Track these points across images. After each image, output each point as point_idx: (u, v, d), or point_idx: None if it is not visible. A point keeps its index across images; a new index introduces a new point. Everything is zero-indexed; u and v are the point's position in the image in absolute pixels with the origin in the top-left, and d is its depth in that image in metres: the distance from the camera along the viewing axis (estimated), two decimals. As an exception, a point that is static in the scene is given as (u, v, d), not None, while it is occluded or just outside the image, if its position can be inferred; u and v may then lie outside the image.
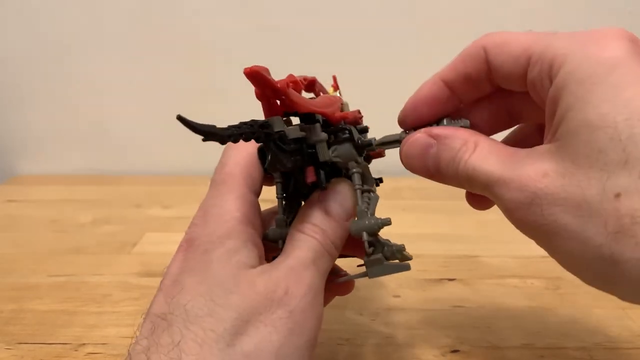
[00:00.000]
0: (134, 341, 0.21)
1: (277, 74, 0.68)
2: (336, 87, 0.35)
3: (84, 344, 0.34)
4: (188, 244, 0.25)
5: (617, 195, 0.17)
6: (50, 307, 0.38)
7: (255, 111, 0.77)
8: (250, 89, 0.72)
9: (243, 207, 0.25)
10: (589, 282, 0.20)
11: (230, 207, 0.25)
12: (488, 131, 0.26)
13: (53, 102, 0.69)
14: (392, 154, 0.65)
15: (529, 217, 0.21)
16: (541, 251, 0.50)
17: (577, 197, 0.18)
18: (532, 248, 0.49)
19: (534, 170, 0.20)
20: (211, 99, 0.69)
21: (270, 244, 0.27)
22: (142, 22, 0.65)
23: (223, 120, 0.80)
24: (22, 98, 0.69)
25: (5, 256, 0.47)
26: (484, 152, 0.23)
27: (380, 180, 0.32)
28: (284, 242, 0.26)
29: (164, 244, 0.49)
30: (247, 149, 0.27)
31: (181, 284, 0.23)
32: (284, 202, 0.28)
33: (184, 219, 0.58)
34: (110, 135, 0.71)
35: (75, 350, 0.34)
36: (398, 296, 0.40)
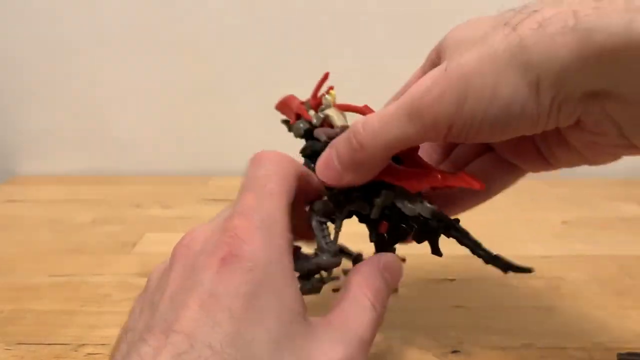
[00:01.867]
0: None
1: (278, 75, 0.69)
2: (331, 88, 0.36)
3: (83, 344, 0.34)
4: (232, 260, 0.21)
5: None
6: (50, 307, 0.38)
7: (255, 111, 0.77)
8: (251, 89, 0.72)
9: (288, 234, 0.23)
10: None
11: (283, 229, 0.23)
12: None
13: (53, 102, 0.69)
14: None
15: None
16: (541, 251, 0.50)
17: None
18: (532, 248, 0.49)
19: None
20: (211, 99, 0.69)
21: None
22: (142, 22, 0.65)
23: (223, 120, 0.80)
24: (22, 98, 0.69)
25: (4, 256, 0.47)
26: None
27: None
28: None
29: (164, 244, 0.49)
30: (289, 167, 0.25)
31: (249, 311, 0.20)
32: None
33: (184, 219, 0.58)
34: (110, 135, 0.71)
35: (75, 351, 0.34)
36: (398, 296, 0.40)
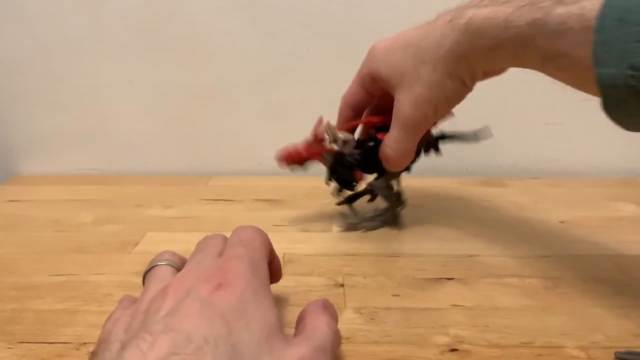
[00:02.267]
0: None
1: (278, 75, 0.69)
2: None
3: (85, 343, 0.34)
4: (226, 286, 0.27)
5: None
6: (52, 307, 0.39)
7: (255, 111, 0.77)
8: (250, 89, 0.72)
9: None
10: None
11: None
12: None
13: (54, 102, 0.70)
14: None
15: None
16: (540, 251, 0.50)
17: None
18: (531, 247, 0.50)
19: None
20: (212, 99, 0.70)
21: None
22: (142, 23, 0.66)
23: (223, 120, 0.80)
24: (24, 98, 0.69)
25: (6, 256, 0.47)
26: None
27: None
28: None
29: (165, 244, 0.50)
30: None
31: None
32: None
33: (185, 218, 0.59)
34: (111, 135, 0.72)
35: (77, 350, 0.34)
36: (397, 295, 0.40)
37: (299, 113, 0.70)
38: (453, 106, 0.43)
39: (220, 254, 0.31)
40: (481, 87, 0.69)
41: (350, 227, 0.52)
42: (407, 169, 0.49)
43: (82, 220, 0.55)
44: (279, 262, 0.36)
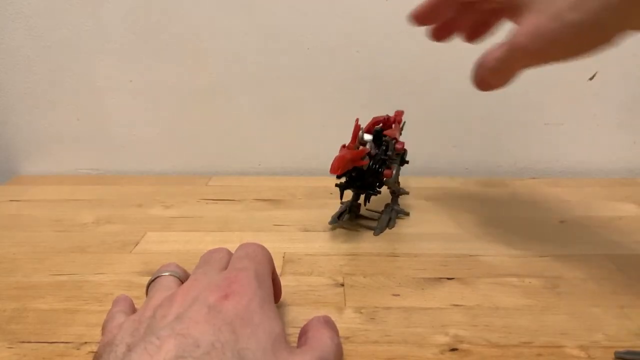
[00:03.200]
0: None
1: (278, 76, 0.69)
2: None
3: (85, 342, 0.35)
4: (233, 295, 0.27)
5: None
6: (52, 306, 0.39)
7: (255, 111, 0.78)
8: (250, 89, 0.73)
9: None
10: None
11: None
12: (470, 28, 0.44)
13: (54, 102, 0.70)
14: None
15: None
16: (539, 250, 0.50)
17: None
18: (531, 247, 0.50)
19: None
20: (211, 99, 0.70)
21: None
22: (142, 23, 0.66)
23: (223, 120, 0.81)
24: (25, 99, 0.69)
25: (7, 255, 0.47)
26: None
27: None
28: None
29: (166, 244, 0.50)
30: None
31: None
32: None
33: (185, 218, 0.59)
34: (111, 135, 0.72)
35: (77, 349, 0.34)
36: (397, 295, 0.40)
37: (299, 113, 0.70)
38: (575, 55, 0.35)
39: (226, 266, 0.31)
40: (481, 87, 0.69)
41: (382, 229, 0.52)
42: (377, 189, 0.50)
43: (83, 220, 0.55)
44: (280, 283, 0.37)
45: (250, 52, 0.67)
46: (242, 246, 0.33)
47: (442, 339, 0.35)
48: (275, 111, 0.71)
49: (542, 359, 0.33)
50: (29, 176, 0.72)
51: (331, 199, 0.61)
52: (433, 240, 0.50)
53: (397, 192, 0.56)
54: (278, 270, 0.44)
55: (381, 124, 0.52)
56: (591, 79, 0.68)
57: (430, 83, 0.69)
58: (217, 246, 0.49)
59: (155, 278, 0.32)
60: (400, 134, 0.56)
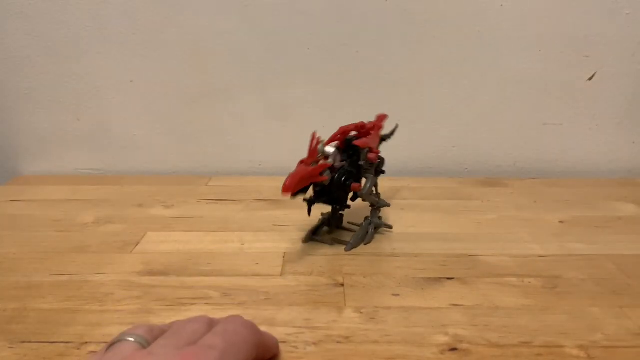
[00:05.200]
0: None
1: (278, 76, 0.69)
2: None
3: (86, 342, 0.35)
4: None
5: None
6: (53, 306, 0.39)
7: (255, 112, 0.78)
8: (250, 89, 0.73)
9: None
10: None
11: None
12: None
13: (55, 102, 0.70)
14: (393, 155, 0.65)
15: None
16: (539, 250, 0.50)
17: None
18: (529, 247, 0.50)
19: None
20: (212, 99, 0.70)
21: None
22: (142, 23, 0.66)
23: (223, 120, 0.80)
24: (25, 99, 0.70)
25: (8, 255, 0.47)
26: None
27: None
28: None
29: (166, 244, 0.50)
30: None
31: None
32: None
33: (185, 218, 0.59)
34: (111, 135, 0.72)
35: (78, 349, 0.34)
36: (397, 295, 0.40)
37: (299, 113, 0.70)
38: None
39: (197, 340, 0.28)
40: (480, 88, 0.69)
41: (356, 245, 0.49)
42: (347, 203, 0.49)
43: (83, 220, 0.55)
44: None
45: (250, 52, 0.67)
46: (227, 320, 0.30)
47: (442, 339, 0.35)
48: (275, 111, 0.71)
49: (541, 359, 0.33)
50: (29, 176, 0.72)
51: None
52: (433, 240, 0.50)
53: (375, 205, 0.52)
54: (278, 270, 0.44)
55: (356, 133, 0.48)
56: (590, 79, 0.68)
57: (430, 83, 0.69)
58: (217, 246, 0.50)
59: (116, 342, 0.28)
60: (389, 138, 0.54)
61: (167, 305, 0.39)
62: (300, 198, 0.43)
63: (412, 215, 0.57)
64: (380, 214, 0.52)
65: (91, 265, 0.45)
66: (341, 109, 0.70)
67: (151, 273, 0.44)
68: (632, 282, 0.42)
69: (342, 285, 0.42)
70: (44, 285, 0.42)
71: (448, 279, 0.43)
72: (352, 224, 0.53)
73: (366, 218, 0.51)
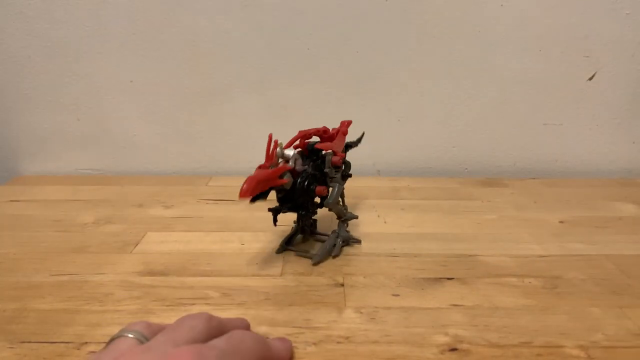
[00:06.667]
0: None
1: (278, 74, 0.69)
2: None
3: (86, 342, 0.35)
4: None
5: None
6: (53, 306, 0.39)
7: (255, 112, 0.78)
8: (250, 89, 0.73)
9: None
10: None
11: None
12: None
13: (55, 102, 0.70)
14: (393, 155, 0.65)
15: None
16: (539, 250, 0.50)
17: None
18: (530, 247, 0.50)
19: None
20: (211, 99, 0.70)
21: None
22: (142, 23, 0.66)
23: (222, 120, 0.81)
24: (25, 99, 0.70)
25: (8, 255, 0.47)
26: None
27: None
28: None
29: (166, 244, 0.50)
30: None
31: None
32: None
33: (185, 218, 0.59)
34: (111, 135, 0.72)
35: (78, 349, 0.34)
36: (397, 295, 0.40)
37: (299, 113, 0.70)
38: None
39: (196, 337, 0.28)
40: (480, 88, 0.69)
41: (323, 258, 0.46)
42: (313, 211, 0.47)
43: (83, 220, 0.55)
44: None
45: (250, 52, 0.67)
46: (233, 333, 0.29)
47: (442, 339, 0.35)
48: (275, 111, 0.71)
49: (541, 359, 0.33)
50: (29, 176, 0.72)
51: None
52: (433, 240, 0.50)
53: (342, 217, 0.49)
54: (278, 270, 0.44)
55: (319, 137, 0.46)
56: (590, 79, 0.68)
57: (430, 83, 0.69)
58: (217, 246, 0.50)
59: (114, 338, 0.29)
60: (355, 145, 0.53)
61: (167, 306, 0.39)
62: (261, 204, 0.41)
63: (412, 215, 0.57)
64: (348, 227, 0.50)
65: (91, 265, 0.45)
66: (341, 109, 0.70)
67: (151, 273, 0.44)
68: (632, 282, 0.42)
69: (342, 285, 0.42)
70: (44, 285, 0.42)
71: (448, 279, 0.43)
72: (322, 234, 0.50)
73: (333, 231, 0.49)
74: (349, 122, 0.52)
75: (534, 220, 0.55)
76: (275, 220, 0.45)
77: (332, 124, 0.54)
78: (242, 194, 0.37)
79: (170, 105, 0.70)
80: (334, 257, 0.47)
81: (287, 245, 0.49)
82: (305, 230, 0.50)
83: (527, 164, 0.74)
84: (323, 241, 0.49)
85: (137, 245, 0.49)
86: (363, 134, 0.54)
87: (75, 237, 0.51)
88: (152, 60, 0.68)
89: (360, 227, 0.54)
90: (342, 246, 0.48)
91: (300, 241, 0.50)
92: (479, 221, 0.55)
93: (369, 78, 0.69)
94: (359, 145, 0.53)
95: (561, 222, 0.55)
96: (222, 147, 0.73)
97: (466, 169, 0.74)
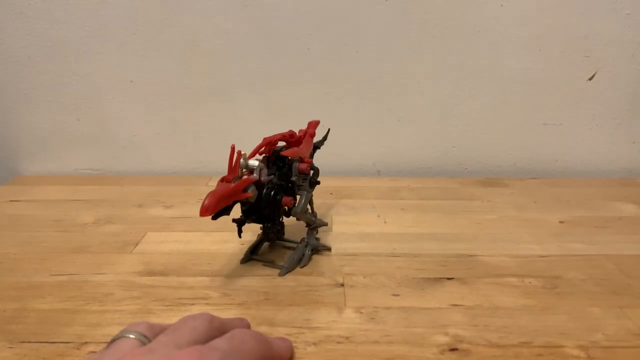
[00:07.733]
0: None
1: (278, 74, 0.69)
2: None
3: (86, 342, 0.35)
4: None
5: None
6: (53, 306, 0.39)
7: (255, 111, 0.78)
8: (250, 89, 0.73)
9: None
10: None
11: None
12: None
13: (55, 102, 0.70)
14: (393, 155, 0.65)
15: None
16: (539, 250, 0.50)
17: None
18: (529, 247, 0.50)
19: None
20: (211, 99, 0.70)
21: None
22: (142, 23, 0.66)
23: (222, 120, 0.81)
24: (25, 99, 0.70)
25: (8, 255, 0.47)
26: None
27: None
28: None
29: (166, 244, 0.50)
30: None
31: None
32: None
33: (185, 218, 0.59)
34: (111, 135, 0.72)
35: (78, 349, 0.34)
36: (397, 295, 0.40)
37: (299, 113, 0.70)
38: None
39: (198, 338, 0.28)
40: (480, 88, 0.69)
41: (290, 270, 0.45)
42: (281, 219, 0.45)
43: (83, 220, 0.55)
44: None
45: (250, 52, 0.67)
46: (235, 332, 0.29)
47: (442, 339, 0.35)
48: (275, 111, 0.71)
49: (541, 359, 0.33)
50: (29, 176, 0.72)
51: (331, 199, 0.61)
52: (433, 240, 0.50)
53: (311, 225, 0.47)
54: (277, 270, 0.44)
55: (285, 142, 0.44)
56: (590, 79, 0.68)
57: (430, 83, 0.69)
58: (217, 246, 0.49)
59: (118, 338, 0.28)
60: (321, 145, 0.51)
61: (167, 306, 0.39)
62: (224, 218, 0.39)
63: (412, 215, 0.57)
64: (318, 235, 0.48)
65: (91, 265, 0.45)
66: (341, 109, 0.70)
67: (151, 273, 0.44)
68: (632, 282, 0.42)
69: (342, 285, 0.42)
70: (43, 286, 0.42)
71: (448, 279, 0.43)
72: (290, 241, 0.49)
73: (302, 239, 0.47)
74: (317, 122, 0.50)
75: (534, 220, 0.55)
76: (240, 232, 0.43)
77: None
78: (203, 212, 0.35)
79: (170, 105, 0.70)
80: (302, 267, 0.45)
81: (252, 254, 0.47)
82: (271, 238, 0.48)
83: (527, 164, 0.74)
84: (291, 248, 0.47)
85: (137, 245, 0.49)
86: (329, 131, 0.52)
87: (75, 237, 0.51)
88: (152, 60, 0.68)
89: (360, 227, 0.54)
90: (312, 255, 0.47)
91: (267, 249, 0.49)
92: (479, 221, 0.55)
93: (369, 78, 0.68)
94: (324, 143, 0.52)
95: (561, 222, 0.55)
96: (222, 147, 0.72)
97: (466, 169, 0.74)
